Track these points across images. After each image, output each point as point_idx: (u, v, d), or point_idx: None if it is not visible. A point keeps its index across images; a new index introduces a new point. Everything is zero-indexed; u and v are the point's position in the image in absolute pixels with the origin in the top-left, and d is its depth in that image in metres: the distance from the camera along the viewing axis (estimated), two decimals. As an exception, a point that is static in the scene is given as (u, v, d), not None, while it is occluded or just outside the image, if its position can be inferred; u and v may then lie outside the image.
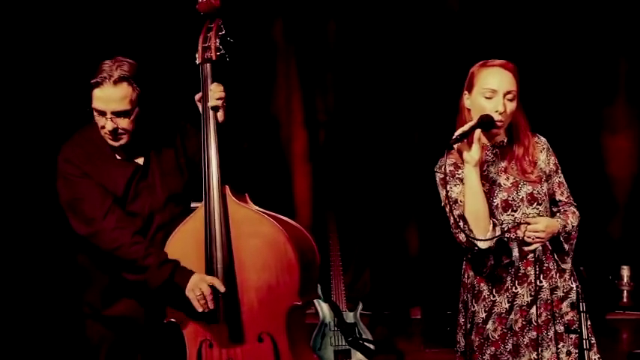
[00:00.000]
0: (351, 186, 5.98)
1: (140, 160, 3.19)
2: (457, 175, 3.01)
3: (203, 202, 3.09)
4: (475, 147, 2.89)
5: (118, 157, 3.16)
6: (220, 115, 3.09)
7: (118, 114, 3.04)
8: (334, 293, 4.92)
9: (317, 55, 6.02)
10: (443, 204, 3.03)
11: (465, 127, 2.91)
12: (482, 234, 2.90)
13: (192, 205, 3.25)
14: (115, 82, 3.01)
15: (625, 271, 5.96)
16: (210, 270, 3.06)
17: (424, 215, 5.92)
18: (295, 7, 5.93)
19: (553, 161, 3.06)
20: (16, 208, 4.66)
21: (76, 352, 3.49)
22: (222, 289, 3.02)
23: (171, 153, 3.23)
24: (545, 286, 2.98)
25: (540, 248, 2.97)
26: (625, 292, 5.97)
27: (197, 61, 3.11)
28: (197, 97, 3.12)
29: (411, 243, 6.08)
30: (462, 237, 2.95)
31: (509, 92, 2.94)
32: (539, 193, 2.99)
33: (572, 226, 2.99)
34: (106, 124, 3.05)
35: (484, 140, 2.98)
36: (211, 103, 3.07)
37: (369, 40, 5.94)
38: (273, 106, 6.09)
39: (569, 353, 2.98)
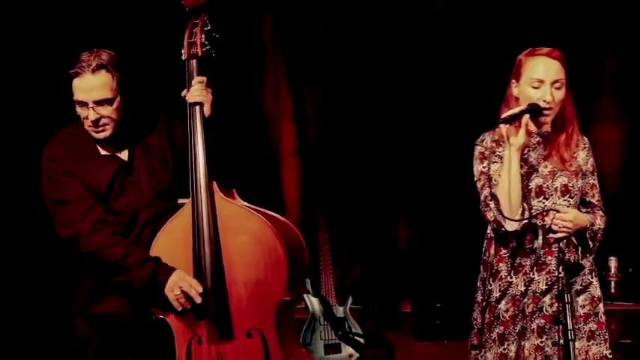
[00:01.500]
0: (341, 181, 5.98)
1: (125, 156, 3.18)
2: (497, 153, 3.03)
3: (190, 198, 3.09)
4: (522, 131, 2.91)
5: (103, 153, 3.15)
6: (207, 109, 3.09)
7: (99, 102, 3.02)
8: (324, 288, 4.93)
9: (305, 51, 6.02)
10: (475, 179, 3.06)
11: (515, 110, 2.94)
12: (512, 216, 2.92)
13: (180, 201, 3.25)
14: (94, 71, 3.00)
15: (612, 263, 5.98)
16: (198, 266, 3.06)
17: (414, 209, 5.93)
18: (284, 2, 5.92)
19: (591, 162, 3.09)
20: (7, 207, 4.65)
21: (66, 351, 3.48)
22: (199, 289, 3.01)
23: (157, 148, 3.21)
24: (577, 280, 3.02)
25: (565, 241, 2.99)
26: (612, 283, 5.99)
27: (183, 57, 3.11)
28: (184, 93, 3.12)
29: (401, 237, 6.08)
30: (489, 215, 2.98)
31: (556, 81, 2.97)
32: (573, 187, 3.02)
33: (599, 228, 3.03)
34: (89, 115, 3.03)
35: (531, 127, 3.00)
36: (192, 99, 3.07)
37: (357, 35, 5.93)
38: (262, 102, 6.08)
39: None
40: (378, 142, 5.98)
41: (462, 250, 5.42)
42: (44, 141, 3.20)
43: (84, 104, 3.03)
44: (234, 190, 3.18)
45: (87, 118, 3.05)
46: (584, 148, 3.10)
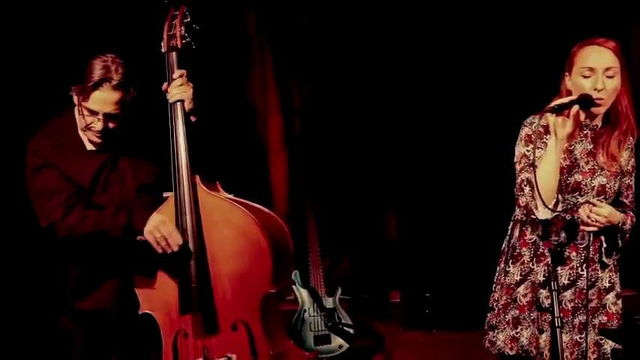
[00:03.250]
0: (329, 172, 5.98)
1: (111, 151, 3.17)
2: (544, 139, 2.96)
3: (173, 191, 3.08)
4: (569, 122, 2.86)
5: (89, 148, 3.15)
6: (187, 104, 3.07)
7: (110, 116, 3.05)
8: (313, 279, 4.93)
9: (291, 43, 6.01)
10: (515, 160, 3.01)
11: (565, 100, 2.88)
12: (545, 205, 2.89)
13: (165, 194, 3.24)
14: (115, 88, 3.03)
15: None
16: (182, 260, 3.05)
17: (402, 200, 5.93)
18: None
19: (632, 163, 3.06)
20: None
21: (51, 348, 3.48)
22: (179, 240, 2.99)
23: (142, 143, 3.21)
24: (585, 275, 2.99)
25: (591, 238, 2.97)
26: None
27: (162, 50, 3.10)
28: (164, 86, 3.11)
29: (390, 227, 6.09)
30: (522, 200, 2.95)
31: (608, 69, 2.90)
32: (610, 188, 2.99)
33: (629, 228, 3.01)
34: (96, 125, 3.06)
35: (582, 119, 2.96)
36: (172, 98, 3.06)
37: (343, 26, 5.92)
38: (249, 94, 6.07)
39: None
40: (365, 133, 5.98)
41: (450, 240, 5.44)
42: (27, 134, 3.19)
43: (94, 113, 3.05)
44: (217, 182, 3.18)
45: (91, 124, 3.06)
46: (628, 148, 3.03)
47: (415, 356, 4.89)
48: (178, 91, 3.05)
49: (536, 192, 2.86)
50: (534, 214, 2.93)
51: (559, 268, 2.98)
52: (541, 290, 3.00)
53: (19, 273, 4.57)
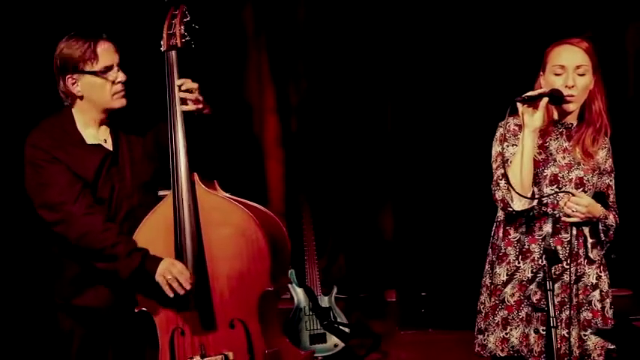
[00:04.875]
0: (325, 171, 5.98)
1: (110, 146, 3.18)
2: (518, 136, 3.00)
3: (172, 190, 3.08)
4: (538, 114, 2.90)
5: (89, 142, 3.15)
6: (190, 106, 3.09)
7: (121, 67, 3.11)
8: (309, 278, 4.94)
9: (288, 40, 6.01)
10: (492, 160, 3.05)
11: (534, 92, 2.92)
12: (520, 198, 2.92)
13: (161, 193, 3.24)
14: (106, 39, 3.10)
15: (596, 250, 6.03)
16: (180, 258, 3.06)
17: (398, 199, 5.94)
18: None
19: (609, 163, 3.08)
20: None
21: (49, 345, 3.48)
22: (189, 281, 3.02)
23: (141, 140, 3.22)
24: (572, 270, 2.99)
25: (574, 232, 2.98)
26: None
27: (162, 49, 3.11)
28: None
29: (386, 226, 6.10)
30: (498, 195, 2.98)
31: (579, 67, 2.95)
32: (588, 181, 3.01)
33: (612, 225, 3.02)
34: (119, 76, 3.10)
35: (555, 117, 3.00)
36: (182, 109, 3.09)
37: (340, 25, 5.92)
38: (245, 92, 6.07)
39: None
40: (362, 132, 5.98)
41: (446, 239, 5.45)
42: (17, 133, 3.19)
43: (110, 68, 3.08)
44: (215, 181, 3.18)
45: (115, 81, 3.09)
46: (604, 147, 3.07)
47: (411, 355, 4.89)
48: (188, 89, 3.07)
49: (513, 183, 2.89)
50: (511, 207, 2.94)
51: (544, 262, 2.99)
52: (530, 287, 3.00)
53: (16, 269, 4.58)
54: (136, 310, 3.11)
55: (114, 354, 3.20)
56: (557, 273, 2.99)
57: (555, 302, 2.95)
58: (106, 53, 3.08)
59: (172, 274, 3.01)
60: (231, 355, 3.08)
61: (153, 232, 3.10)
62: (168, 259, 3.04)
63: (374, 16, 5.88)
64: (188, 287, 3.01)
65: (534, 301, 2.99)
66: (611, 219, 3.02)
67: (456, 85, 5.49)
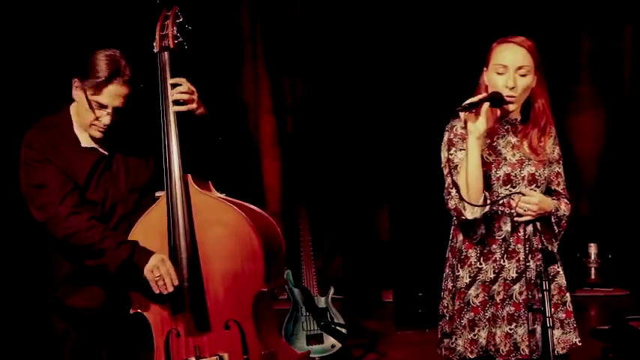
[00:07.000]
0: (321, 171, 5.98)
1: (105, 150, 3.17)
2: (466, 140, 2.98)
3: (165, 191, 3.08)
4: (481, 120, 2.89)
5: (84, 145, 3.14)
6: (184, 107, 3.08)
7: (117, 110, 3.06)
8: (305, 278, 4.93)
9: (284, 40, 6.01)
10: (442, 165, 3.05)
11: (475, 99, 2.91)
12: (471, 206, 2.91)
13: (158, 194, 3.23)
14: (125, 82, 3.04)
15: (592, 249, 6.02)
16: (174, 259, 3.05)
17: (395, 199, 5.94)
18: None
19: (557, 151, 3.07)
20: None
21: (43, 346, 3.47)
22: (176, 281, 3.01)
23: (136, 143, 3.21)
24: (532, 266, 2.98)
25: (531, 229, 2.98)
26: (592, 269, 6.04)
27: (155, 50, 3.10)
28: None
29: (382, 226, 6.10)
30: (450, 203, 2.96)
31: (520, 68, 2.94)
32: (540, 176, 3.01)
33: (564, 214, 3.02)
34: (104, 118, 3.06)
35: (498, 114, 2.99)
36: (175, 109, 3.08)
37: (336, 24, 5.93)
38: (241, 93, 6.07)
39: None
40: (358, 132, 5.99)
41: (442, 240, 5.44)
42: (15, 130, 3.18)
43: (103, 107, 3.05)
44: (209, 182, 3.18)
45: (98, 119, 3.06)
46: (551, 136, 3.07)
47: (408, 355, 4.89)
48: (181, 93, 3.06)
49: (462, 192, 2.89)
50: (464, 216, 2.93)
51: (506, 262, 2.99)
52: (493, 287, 3.00)
53: (11, 269, 4.57)
54: (131, 312, 3.11)
55: (107, 354, 3.20)
56: (518, 272, 2.99)
57: (520, 300, 2.97)
58: (110, 94, 3.04)
59: (161, 271, 3.00)
60: (226, 356, 3.07)
61: (147, 233, 3.09)
62: (159, 254, 3.03)
63: (370, 16, 5.88)
64: (171, 289, 3.00)
65: (520, 300, 2.98)
66: (563, 208, 3.02)
67: (453, 85, 5.48)
